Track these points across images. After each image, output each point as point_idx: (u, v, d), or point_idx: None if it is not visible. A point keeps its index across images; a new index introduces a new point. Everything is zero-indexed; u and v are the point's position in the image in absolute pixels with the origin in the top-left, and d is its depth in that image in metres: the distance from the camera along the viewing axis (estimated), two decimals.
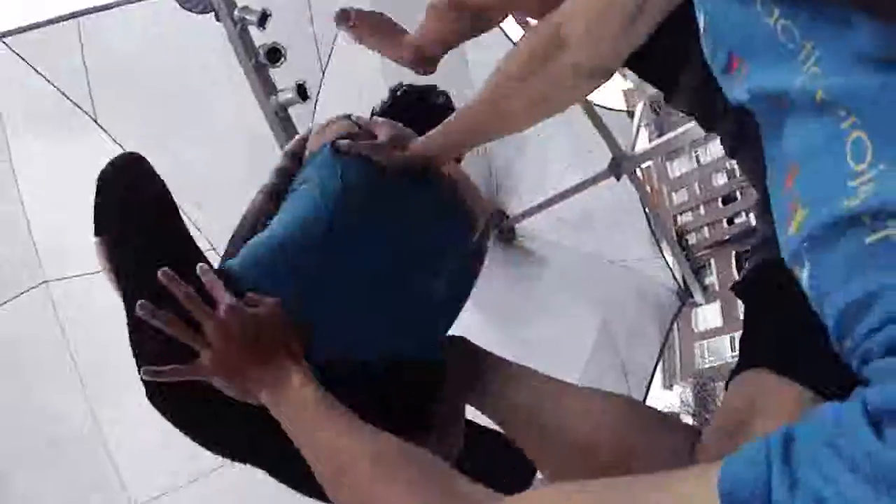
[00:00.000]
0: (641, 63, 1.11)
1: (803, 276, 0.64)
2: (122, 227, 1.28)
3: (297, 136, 1.55)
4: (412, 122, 1.47)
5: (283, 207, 1.34)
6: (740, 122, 0.97)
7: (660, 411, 1.08)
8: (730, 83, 0.76)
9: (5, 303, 3.16)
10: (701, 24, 0.78)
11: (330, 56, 3.74)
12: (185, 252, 1.23)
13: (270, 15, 2.86)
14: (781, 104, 0.68)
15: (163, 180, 1.37)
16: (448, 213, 1.39)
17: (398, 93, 1.71)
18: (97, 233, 1.31)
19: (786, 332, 0.90)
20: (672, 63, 1.04)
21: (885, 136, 0.56)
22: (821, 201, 0.61)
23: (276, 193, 1.41)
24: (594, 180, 4.33)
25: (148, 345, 1.10)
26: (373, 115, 1.70)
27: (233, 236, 1.42)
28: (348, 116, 1.48)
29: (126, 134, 3.44)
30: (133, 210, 1.29)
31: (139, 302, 1.00)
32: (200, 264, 1.07)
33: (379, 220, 1.30)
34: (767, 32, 0.67)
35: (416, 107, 1.64)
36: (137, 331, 1.14)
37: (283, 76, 2.90)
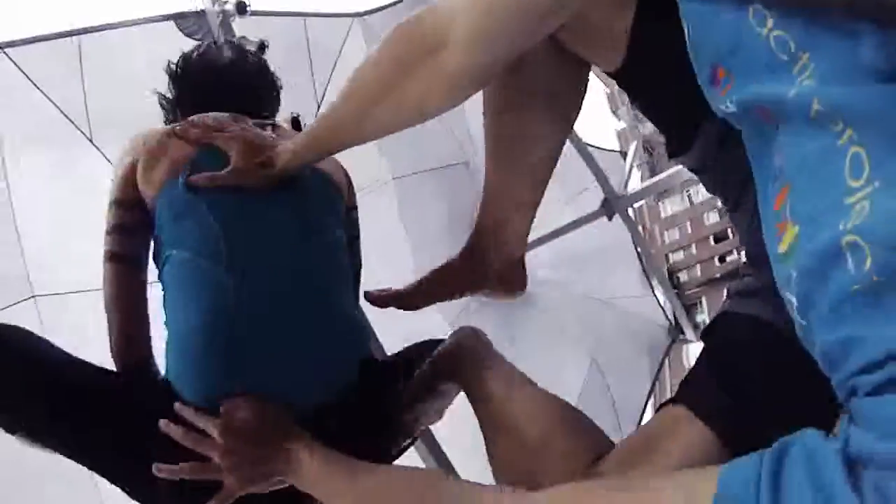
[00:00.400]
0: (658, 103, 1.06)
1: (792, 303, 0.62)
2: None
3: (113, 177, 1.31)
4: None
5: (169, 283, 1.18)
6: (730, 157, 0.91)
7: (586, 417, 1.08)
8: (714, 95, 0.74)
9: None
10: (686, 35, 0.76)
11: (326, 89, 3.78)
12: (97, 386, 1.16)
13: (268, 46, 2.88)
14: (773, 116, 0.66)
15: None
16: (322, 196, 1.31)
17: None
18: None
19: (721, 380, 0.92)
20: (691, 117, 0.96)
21: (884, 151, 0.53)
22: (815, 220, 0.58)
23: (128, 257, 1.24)
24: (586, 219, 4.35)
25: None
26: None
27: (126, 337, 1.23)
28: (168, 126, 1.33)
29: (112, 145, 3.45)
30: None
31: (157, 467, 1.03)
32: (176, 404, 1.06)
33: (266, 246, 1.19)
34: (758, 44, 0.65)
35: None
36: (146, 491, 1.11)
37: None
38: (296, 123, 2.55)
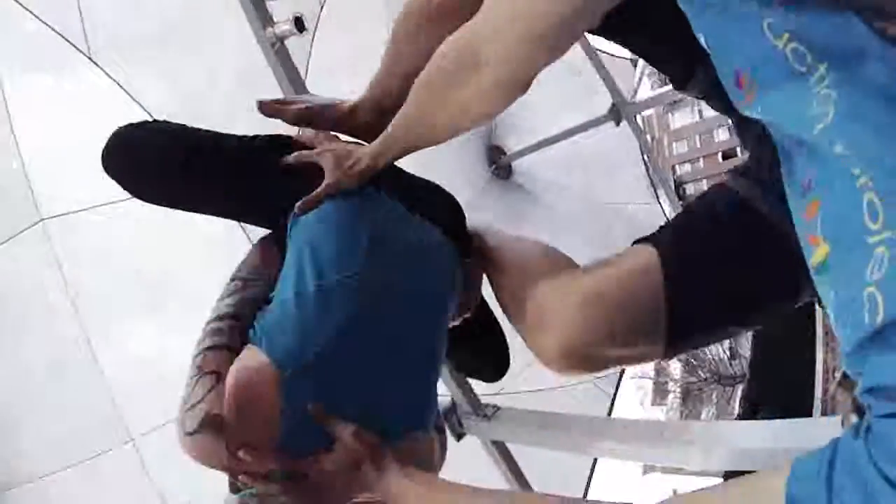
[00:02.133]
0: (655, 50, 1.16)
1: (828, 304, 0.68)
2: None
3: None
4: None
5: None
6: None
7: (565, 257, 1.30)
8: (740, 98, 0.77)
9: (3, 243, 3.17)
10: (703, 45, 0.79)
11: None
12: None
13: None
14: (796, 143, 0.70)
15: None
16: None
17: None
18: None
19: (684, 230, 1.17)
20: (689, 57, 1.04)
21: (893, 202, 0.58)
22: (843, 245, 0.64)
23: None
24: (594, 123, 4.31)
25: None
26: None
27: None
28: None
29: (121, 71, 3.40)
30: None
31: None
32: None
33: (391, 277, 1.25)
34: (775, 55, 0.68)
35: None
36: None
37: (280, 8, 2.84)
38: (298, 22, 2.50)
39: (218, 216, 1.40)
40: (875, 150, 0.60)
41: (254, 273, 1.30)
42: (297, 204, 1.25)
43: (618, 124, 4.29)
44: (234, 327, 1.19)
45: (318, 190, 1.26)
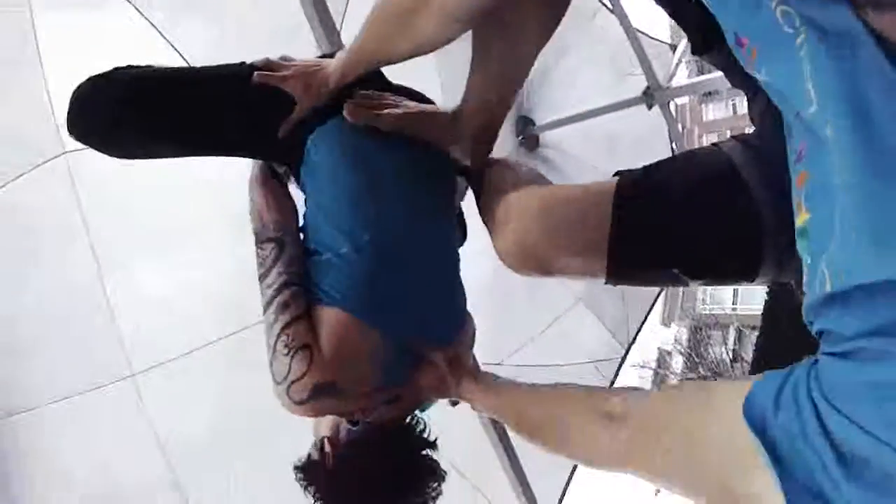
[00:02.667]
0: (684, 8, 1.15)
1: (804, 267, 0.78)
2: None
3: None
4: None
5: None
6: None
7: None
8: (743, 57, 0.80)
9: (25, 173, 3.18)
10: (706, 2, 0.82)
11: None
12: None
13: None
14: (795, 114, 0.75)
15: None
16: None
17: None
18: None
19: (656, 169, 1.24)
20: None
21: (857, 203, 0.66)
22: (820, 220, 0.72)
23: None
24: (626, 104, 4.27)
25: None
26: None
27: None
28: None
29: (151, 5, 3.37)
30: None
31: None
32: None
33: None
34: (768, 17, 0.72)
35: None
36: None
37: None
38: None
39: (202, 154, 1.42)
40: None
41: (281, 229, 1.32)
42: (281, 129, 1.33)
43: (650, 108, 4.24)
44: (296, 294, 1.24)
45: (294, 114, 1.33)
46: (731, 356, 23.96)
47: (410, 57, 1.24)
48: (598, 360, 4.77)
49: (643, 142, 4.81)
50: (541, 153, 4.66)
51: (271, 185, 1.39)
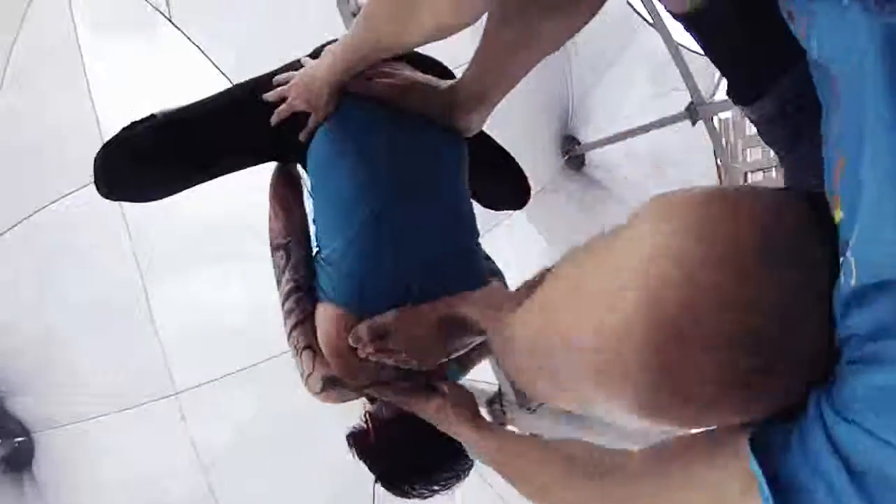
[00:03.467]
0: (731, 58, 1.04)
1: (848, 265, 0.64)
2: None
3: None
4: None
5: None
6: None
7: None
8: (796, 32, 0.72)
9: (72, 192, 3.25)
10: None
11: None
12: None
13: None
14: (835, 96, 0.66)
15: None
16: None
17: None
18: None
19: None
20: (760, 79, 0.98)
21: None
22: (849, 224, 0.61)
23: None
24: (670, 120, 4.22)
25: None
26: None
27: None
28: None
29: (200, 33, 3.43)
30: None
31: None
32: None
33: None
34: None
35: None
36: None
37: None
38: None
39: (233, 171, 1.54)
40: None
41: (288, 236, 1.43)
42: (301, 136, 1.41)
43: (694, 124, 4.18)
44: (301, 298, 1.36)
45: (310, 124, 1.41)
46: None
47: (421, 44, 1.22)
48: None
49: (688, 158, 4.74)
50: (587, 173, 4.62)
51: (280, 193, 1.50)
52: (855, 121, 0.60)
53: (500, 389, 2.57)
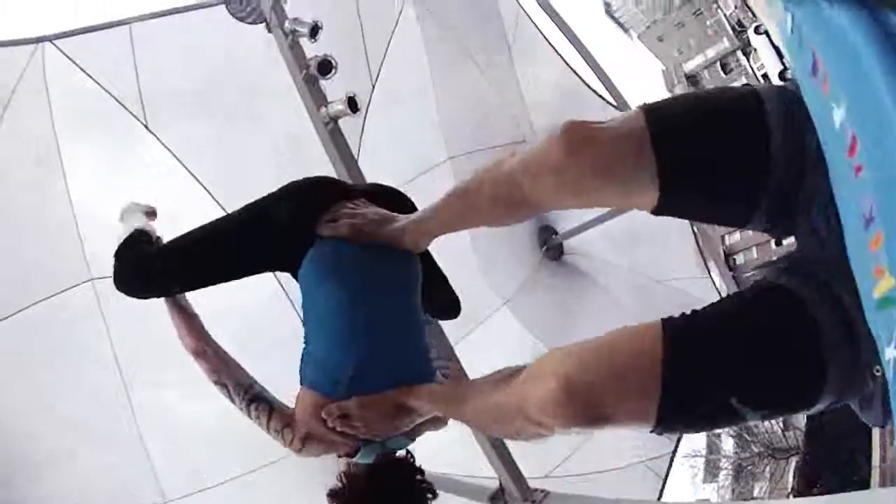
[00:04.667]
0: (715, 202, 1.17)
1: (886, 353, 0.67)
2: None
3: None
4: None
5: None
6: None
7: None
8: (813, 88, 0.77)
9: (54, 295, 3.23)
10: (788, 26, 0.80)
11: (380, 68, 3.77)
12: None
13: (321, 27, 2.87)
14: (852, 168, 0.70)
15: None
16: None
17: None
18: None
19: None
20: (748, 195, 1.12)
21: None
22: None
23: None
24: None
25: None
26: None
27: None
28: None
29: (175, 140, 3.50)
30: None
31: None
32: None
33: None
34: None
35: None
36: None
37: (333, 88, 2.91)
38: (352, 102, 2.56)
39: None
40: None
41: (215, 373, 1.77)
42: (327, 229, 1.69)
43: None
44: (259, 403, 1.72)
45: (345, 230, 1.68)
46: (782, 425, 23.09)
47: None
48: (650, 459, 4.61)
49: (665, 232, 4.82)
50: (566, 261, 4.67)
51: (190, 345, 1.81)
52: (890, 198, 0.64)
53: (501, 485, 2.51)
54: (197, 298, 1.90)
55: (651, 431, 1.08)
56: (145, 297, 1.88)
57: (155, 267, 1.86)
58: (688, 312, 1.12)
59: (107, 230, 3.25)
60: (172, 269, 1.83)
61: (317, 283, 1.69)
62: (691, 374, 1.04)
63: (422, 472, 1.64)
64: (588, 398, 1.05)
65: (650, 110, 1.12)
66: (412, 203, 1.89)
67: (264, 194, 1.78)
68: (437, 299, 2.06)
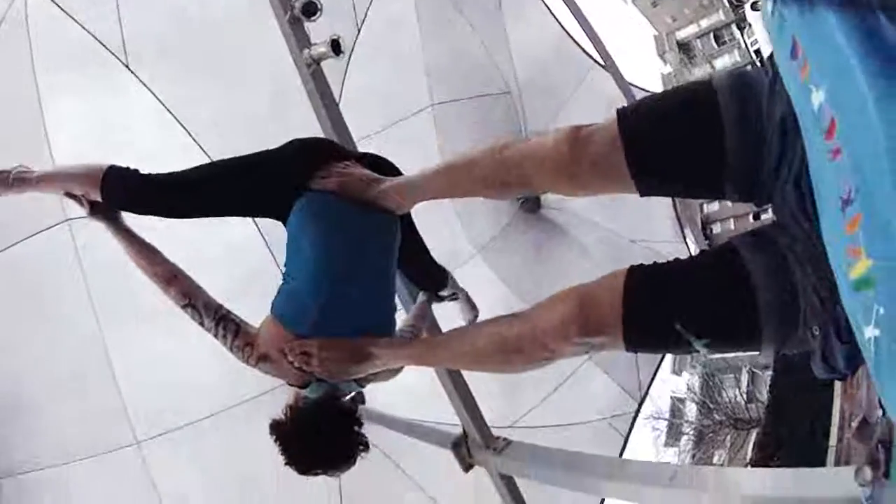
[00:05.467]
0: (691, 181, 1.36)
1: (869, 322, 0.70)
2: None
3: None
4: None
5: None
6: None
7: None
8: (793, 71, 0.80)
9: (30, 237, 3.21)
10: (769, 7, 0.84)
11: (367, 13, 3.71)
12: None
13: None
14: (831, 151, 0.73)
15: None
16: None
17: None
18: None
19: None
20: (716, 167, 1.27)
21: None
22: (887, 265, 0.66)
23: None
24: None
25: None
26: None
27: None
28: None
29: (157, 81, 3.44)
30: None
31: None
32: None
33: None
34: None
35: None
36: None
37: (318, 31, 2.86)
38: (335, 45, 2.53)
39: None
40: None
41: (186, 297, 1.88)
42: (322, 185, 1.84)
43: None
44: (226, 323, 1.84)
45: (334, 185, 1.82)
46: (745, 398, 23.61)
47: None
48: (612, 416, 4.71)
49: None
50: (543, 214, 4.69)
51: (156, 272, 1.91)
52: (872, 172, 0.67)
53: (464, 432, 2.56)
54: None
55: (626, 350, 1.37)
56: (133, 211, 1.99)
57: (157, 188, 1.93)
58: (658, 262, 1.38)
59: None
60: (174, 194, 1.93)
61: (301, 228, 1.83)
62: (643, 306, 1.33)
63: (361, 423, 1.78)
64: (590, 319, 1.35)
65: (620, 118, 1.33)
66: (400, 172, 2.03)
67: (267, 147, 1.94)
68: (416, 263, 2.23)
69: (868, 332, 0.70)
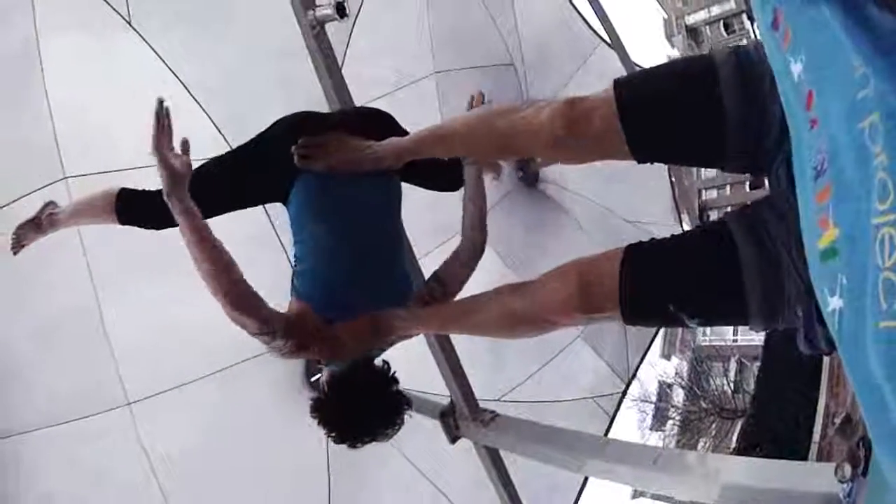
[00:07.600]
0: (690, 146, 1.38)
1: (834, 292, 0.70)
2: None
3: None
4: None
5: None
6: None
7: None
8: (774, 42, 0.80)
9: (26, 195, 3.17)
10: None
11: None
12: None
13: None
14: (808, 120, 0.74)
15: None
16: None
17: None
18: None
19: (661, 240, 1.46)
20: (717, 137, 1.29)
21: None
22: (853, 238, 0.66)
23: None
24: None
25: None
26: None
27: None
28: None
29: (159, 38, 3.40)
30: None
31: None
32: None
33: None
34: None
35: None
36: None
37: None
38: (340, 7, 2.49)
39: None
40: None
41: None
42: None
43: None
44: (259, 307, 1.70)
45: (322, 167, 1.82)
46: (732, 387, 23.77)
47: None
48: (599, 396, 4.74)
49: (642, 176, 4.83)
50: (540, 188, 4.68)
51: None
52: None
53: (452, 402, 2.57)
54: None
55: (625, 324, 1.44)
56: (147, 225, 2.05)
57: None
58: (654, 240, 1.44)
59: (81, 126, 3.20)
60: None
61: (303, 213, 1.85)
62: (638, 289, 1.38)
63: (397, 381, 1.74)
64: (590, 299, 1.41)
65: (618, 87, 1.34)
66: (394, 121, 2.04)
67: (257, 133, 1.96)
68: (432, 179, 2.20)
69: (832, 304, 0.71)
